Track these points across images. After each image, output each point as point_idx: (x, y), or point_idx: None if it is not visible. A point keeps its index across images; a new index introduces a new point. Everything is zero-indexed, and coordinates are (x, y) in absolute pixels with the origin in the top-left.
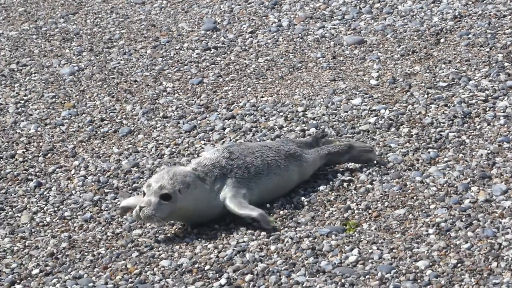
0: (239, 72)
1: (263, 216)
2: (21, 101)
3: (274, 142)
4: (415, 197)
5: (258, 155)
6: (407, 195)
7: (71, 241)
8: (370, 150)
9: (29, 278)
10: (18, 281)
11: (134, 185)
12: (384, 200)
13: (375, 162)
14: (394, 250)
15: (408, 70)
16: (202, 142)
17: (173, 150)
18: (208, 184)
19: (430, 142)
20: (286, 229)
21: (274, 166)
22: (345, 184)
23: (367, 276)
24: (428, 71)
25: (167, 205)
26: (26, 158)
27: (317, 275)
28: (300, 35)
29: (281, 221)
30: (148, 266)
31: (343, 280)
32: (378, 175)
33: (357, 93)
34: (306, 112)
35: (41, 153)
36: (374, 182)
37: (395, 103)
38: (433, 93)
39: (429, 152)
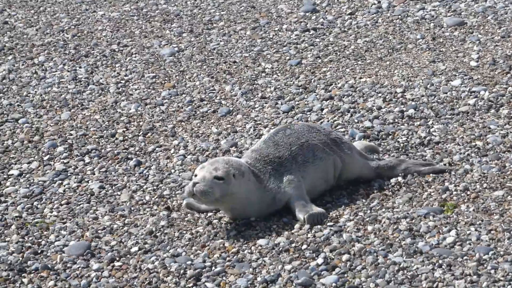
0: (338, 53)
1: (310, 218)
2: (121, 81)
3: (329, 128)
4: None
5: (303, 140)
6: (506, 177)
7: (170, 220)
8: (429, 164)
9: (128, 255)
10: (117, 259)
11: None
12: (483, 182)
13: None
14: (492, 232)
15: (509, 52)
16: (300, 122)
17: (271, 130)
18: (261, 181)
19: None
20: (383, 209)
21: (319, 150)
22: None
23: (465, 257)
24: None
25: (221, 185)
26: (126, 137)
27: (414, 256)
28: (399, 16)
29: (379, 202)
30: (246, 245)
31: (440, 261)
32: (477, 156)
33: (457, 74)
34: (405, 93)
35: (141, 133)
36: (472, 164)
37: (495, 84)
38: None
39: None
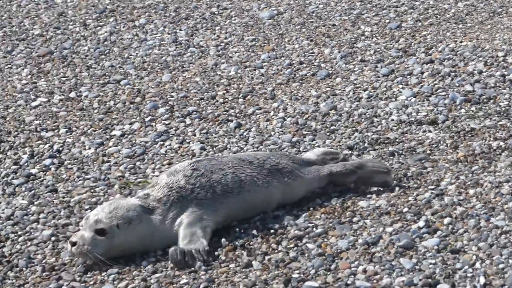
0: (438, 16)
1: (182, 255)
2: (221, 44)
3: (261, 154)
4: None
5: (229, 171)
6: None
7: None
8: (386, 172)
9: None
10: None
11: (332, 128)
12: None
13: (391, 185)
14: None
15: None
16: (400, 86)
17: (370, 93)
18: (159, 214)
19: None
20: (485, 173)
21: (248, 182)
22: None
23: None
24: None
25: (103, 241)
26: (226, 99)
27: None
28: None
29: (481, 166)
30: (347, 208)
31: None
32: None
33: None
34: (507, 57)
35: (240, 95)
36: None
37: None
38: None
39: None
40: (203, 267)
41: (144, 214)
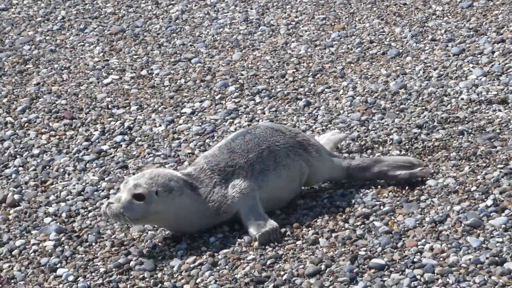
0: None
1: (262, 237)
2: (292, 23)
3: (297, 129)
4: None
5: (264, 146)
6: None
7: None
8: (409, 166)
9: None
10: None
11: (401, 106)
12: None
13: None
14: None
15: None
16: (471, 65)
17: (441, 72)
18: (202, 193)
19: None
20: None
21: (282, 155)
22: None
23: None
24: None
25: (140, 205)
26: (296, 78)
27: None
28: None
29: None
30: (415, 187)
31: None
32: None
33: None
34: None
35: (310, 74)
36: None
37: None
38: None
39: None
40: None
41: (186, 188)
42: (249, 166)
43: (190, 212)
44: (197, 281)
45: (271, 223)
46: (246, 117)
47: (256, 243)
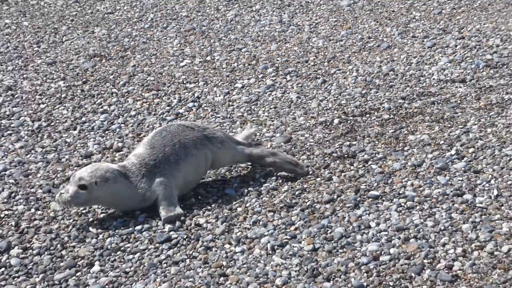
0: (468, 6)
1: (166, 219)
2: (313, 24)
3: (206, 125)
4: None
5: (176, 140)
6: None
7: (343, 120)
8: (295, 164)
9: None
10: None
11: (390, 84)
12: None
13: (298, 175)
14: None
15: None
16: (440, 55)
17: (418, 60)
18: (133, 182)
19: None
20: (499, 117)
21: (190, 146)
22: None
23: None
24: None
25: (83, 194)
26: (315, 63)
27: None
28: None
29: (497, 112)
30: (400, 141)
31: None
32: None
33: None
34: None
35: (326, 60)
36: None
37: None
38: None
39: None
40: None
41: (120, 177)
42: (166, 158)
43: (123, 196)
44: (247, 205)
45: (178, 210)
46: (280, 90)
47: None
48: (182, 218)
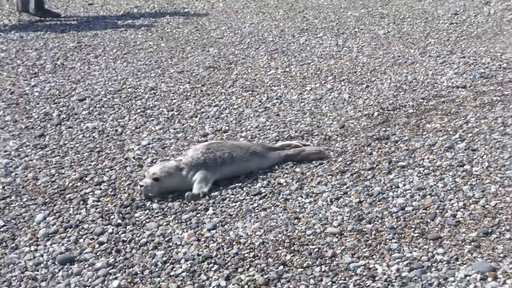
0: (468, 35)
1: (193, 197)
2: (360, 47)
3: (248, 143)
4: None
5: (227, 151)
6: None
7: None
8: (319, 153)
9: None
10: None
11: (413, 88)
12: None
13: (324, 159)
14: None
15: None
16: (448, 69)
17: (433, 72)
18: (184, 173)
19: None
20: (489, 112)
21: (237, 158)
22: None
23: None
24: None
25: (156, 184)
26: (361, 73)
27: None
28: None
29: (488, 109)
30: (419, 128)
31: None
32: None
33: None
34: (502, 56)
35: (368, 71)
36: None
37: None
38: None
39: None
40: None
41: (177, 171)
42: (214, 159)
43: (178, 184)
44: (313, 171)
45: (204, 190)
46: (337, 92)
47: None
48: (201, 196)
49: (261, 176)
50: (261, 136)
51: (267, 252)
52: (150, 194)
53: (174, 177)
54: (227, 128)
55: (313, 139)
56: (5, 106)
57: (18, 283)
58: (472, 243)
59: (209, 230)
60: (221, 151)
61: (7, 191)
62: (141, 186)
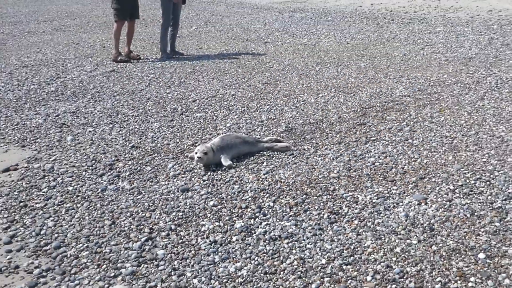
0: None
1: (228, 165)
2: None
3: (246, 137)
4: None
5: (237, 140)
6: None
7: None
8: (286, 147)
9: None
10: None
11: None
12: None
13: (290, 152)
14: None
15: None
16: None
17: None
18: (215, 152)
19: None
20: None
21: (239, 144)
22: None
23: None
24: None
25: (205, 157)
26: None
27: None
28: None
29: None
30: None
31: None
32: None
33: None
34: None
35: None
36: None
37: None
38: None
39: None
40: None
41: (212, 151)
42: (226, 145)
43: (212, 159)
44: (321, 143)
45: (229, 164)
46: (336, 98)
47: (225, 166)
48: (231, 167)
49: (293, 144)
50: (293, 122)
51: (296, 187)
52: (201, 164)
53: (210, 153)
54: (274, 117)
55: (322, 124)
56: (152, 104)
57: (158, 202)
58: (413, 184)
59: (264, 174)
60: (229, 140)
61: (152, 150)
62: (199, 157)
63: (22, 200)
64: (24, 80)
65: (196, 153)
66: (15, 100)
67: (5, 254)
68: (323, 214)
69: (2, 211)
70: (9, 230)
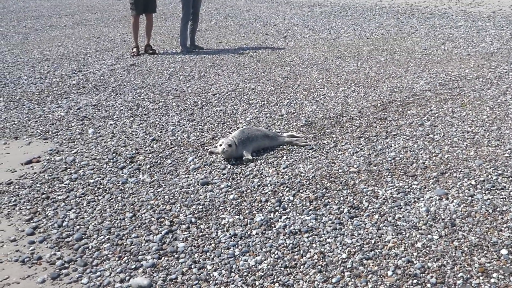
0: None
1: (247, 159)
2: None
3: (267, 130)
4: None
5: (258, 133)
6: None
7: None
8: (305, 142)
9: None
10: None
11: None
12: None
13: (307, 147)
14: None
15: None
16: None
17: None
18: (237, 145)
19: None
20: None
21: (260, 138)
22: None
23: None
24: None
25: (229, 149)
26: (374, 79)
27: None
28: None
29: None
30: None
31: None
32: None
33: None
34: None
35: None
36: None
37: None
38: None
39: None
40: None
41: (234, 144)
42: (247, 138)
43: (235, 152)
44: (340, 137)
45: (250, 157)
46: (356, 92)
47: (245, 160)
48: (251, 160)
49: (313, 138)
50: (313, 116)
51: (316, 181)
52: (225, 156)
53: (233, 146)
54: (294, 111)
55: (342, 118)
56: (172, 97)
57: (178, 195)
58: (434, 179)
59: (284, 168)
60: (249, 133)
61: (173, 144)
62: (224, 149)
63: (44, 192)
64: (46, 73)
65: (220, 145)
66: (37, 93)
67: (28, 245)
68: (343, 208)
69: (25, 203)
70: (31, 221)
